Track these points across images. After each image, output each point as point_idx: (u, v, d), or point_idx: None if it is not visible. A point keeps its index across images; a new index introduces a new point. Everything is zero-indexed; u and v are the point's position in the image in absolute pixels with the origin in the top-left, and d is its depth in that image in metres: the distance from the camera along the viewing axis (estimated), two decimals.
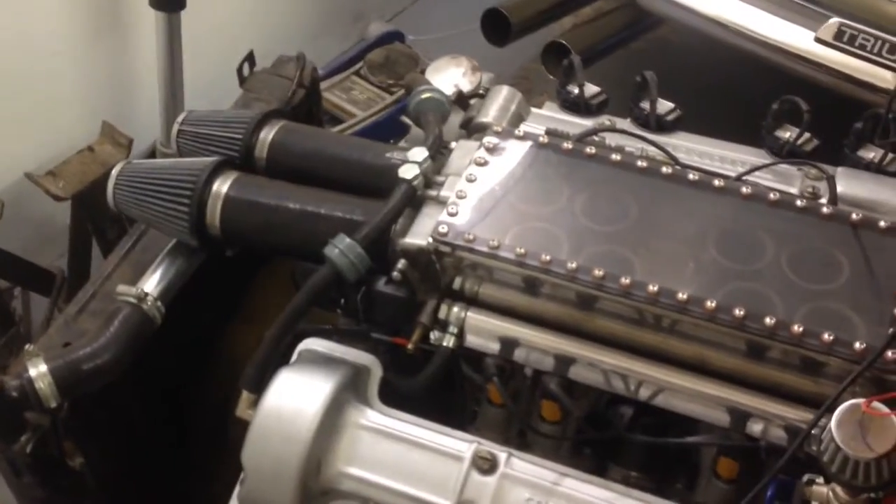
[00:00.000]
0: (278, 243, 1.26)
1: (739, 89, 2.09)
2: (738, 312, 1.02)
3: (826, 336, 0.99)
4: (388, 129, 2.24)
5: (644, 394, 1.11)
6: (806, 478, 0.95)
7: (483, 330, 1.14)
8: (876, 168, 1.31)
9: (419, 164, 1.19)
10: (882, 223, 1.09)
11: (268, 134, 1.32)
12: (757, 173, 1.30)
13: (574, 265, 1.08)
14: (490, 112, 1.32)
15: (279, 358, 1.16)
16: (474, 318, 1.14)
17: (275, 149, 1.31)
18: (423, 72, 1.41)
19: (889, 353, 0.96)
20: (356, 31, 2.80)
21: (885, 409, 0.85)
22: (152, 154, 2.11)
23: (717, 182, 1.16)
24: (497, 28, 2.22)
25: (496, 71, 2.56)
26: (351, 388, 1.10)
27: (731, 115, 1.51)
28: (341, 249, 1.13)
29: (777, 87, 1.51)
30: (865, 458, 0.84)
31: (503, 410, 1.19)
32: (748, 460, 1.08)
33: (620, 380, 1.11)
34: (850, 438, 0.84)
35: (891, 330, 0.98)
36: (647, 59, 2.57)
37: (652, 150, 1.32)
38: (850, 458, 0.85)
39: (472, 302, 1.15)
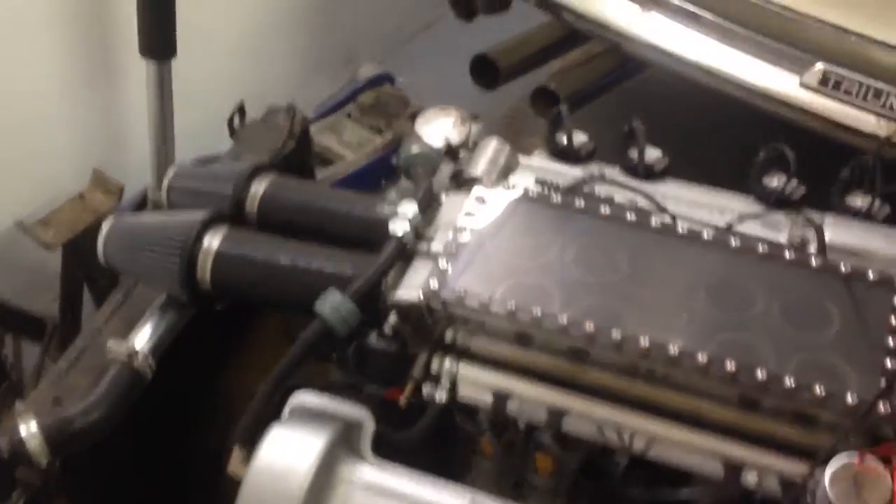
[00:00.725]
0: (269, 298, 1.27)
1: (727, 131, 2.11)
2: (730, 365, 1.02)
3: (818, 389, 0.99)
4: (379, 172, 2.25)
5: (638, 446, 1.11)
6: None
7: (475, 383, 1.14)
8: (864, 216, 1.31)
9: (409, 219, 1.19)
10: (871, 274, 1.09)
11: (258, 188, 1.32)
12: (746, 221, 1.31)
13: (565, 319, 1.08)
14: (479, 165, 1.33)
15: (272, 413, 1.15)
16: (466, 371, 1.14)
17: (265, 203, 1.32)
18: (412, 119, 1.42)
19: (881, 406, 0.96)
20: (347, 73, 2.82)
21: (878, 464, 0.85)
22: (144, 201, 2.11)
23: (706, 234, 1.17)
24: (486, 73, 2.24)
25: (485, 111, 2.58)
26: (344, 443, 1.10)
27: (719, 158, 1.53)
28: (332, 305, 1.13)
29: (765, 129, 1.53)
30: None
31: (498, 462, 1.19)
32: None
33: (614, 432, 1.11)
34: (844, 495, 0.85)
35: (882, 382, 0.98)
36: (636, 101, 2.60)
37: (640, 199, 1.33)
38: None
39: (464, 355, 1.15)
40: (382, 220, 1.22)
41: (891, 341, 1.03)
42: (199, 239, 1.23)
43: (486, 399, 1.14)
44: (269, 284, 1.23)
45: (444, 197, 1.28)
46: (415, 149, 1.31)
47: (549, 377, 1.13)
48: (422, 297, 1.13)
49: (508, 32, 2.46)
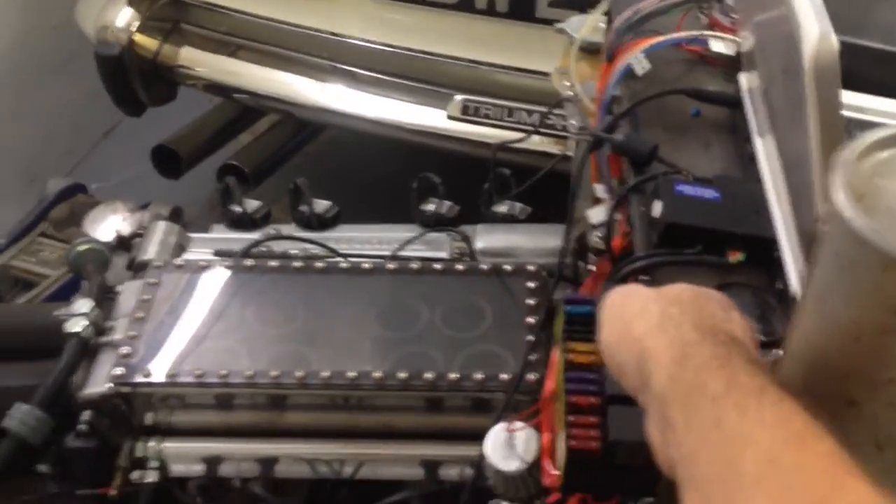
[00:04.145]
0: None
1: (400, 173, 2.29)
2: (402, 375, 1.13)
3: (478, 375, 1.12)
4: None
5: (348, 471, 1.18)
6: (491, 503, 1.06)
7: (183, 456, 1.18)
8: (509, 219, 1.48)
9: (85, 314, 1.21)
10: (507, 267, 1.25)
11: None
12: (412, 246, 1.43)
13: (251, 372, 1.15)
14: (150, 249, 1.37)
15: None
16: (172, 447, 1.18)
17: None
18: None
19: (529, 376, 1.10)
20: (34, 193, 2.75)
21: (525, 425, 0.97)
22: None
23: (366, 264, 1.28)
24: (170, 162, 2.27)
25: (191, 197, 2.60)
26: None
27: (394, 198, 1.66)
28: (20, 418, 1.13)
29: (424, 162, 1.69)
30: (519, 471, 0.96)
31: None
32: None
33: (324, 465, 1.19)
34: (502, 458, 0.96)
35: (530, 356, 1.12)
36: (323, 159, 2.73)
37: (315, 248, 1.43)
38: (507, 476, 0.96)
39: (168, 432, 1.19)
40: (62, 324, 1.23)
41: (530, 319, 1.18)
42: None
43: (198, 468, 1.18)
44: None
45: (120, 288, 1.30)
46: (81, 247, 1.33)
47: (254, 431, 1.19)
48: (110, 386, 1.15)
49: (193, 116, 2.52)
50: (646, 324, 0.61)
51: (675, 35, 1.11)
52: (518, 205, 1.49)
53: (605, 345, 0.66)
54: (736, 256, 0.88)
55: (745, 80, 1.03)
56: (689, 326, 0.59)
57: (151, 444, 1.17)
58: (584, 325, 0.85)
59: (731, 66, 1.12)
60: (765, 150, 0.94)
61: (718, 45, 1.11)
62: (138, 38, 2.16)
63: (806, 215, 0.78)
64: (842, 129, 0.73)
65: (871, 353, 0.50)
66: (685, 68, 1.13)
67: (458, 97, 1.94)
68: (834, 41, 0.68)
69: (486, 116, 1.90)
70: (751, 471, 0.47)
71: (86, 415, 1.16)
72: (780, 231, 0.86)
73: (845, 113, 1.01)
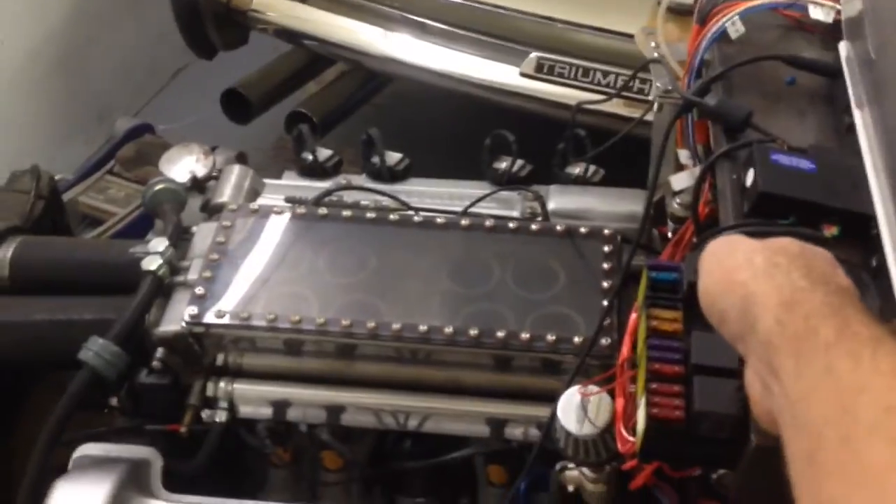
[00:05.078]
0: (34, 359, 1.26)
1: (469, 130, 2.27)
2: (473, 332, 1.13)
3: (550, 337, 1.11)
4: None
5: (413, 424, 1.19)
6: (559, 466, 1.06)
7: (252, 398, 1.19)
8: (582, 181, 1.46)
9: (161, 253, 1.22)
10: (582, 229, 1.23)
11: (5, 253, 1.31)
12: (483, 203, 1.42)
13: (322, 319, 1.15)
14: (225, 192, 1.38)
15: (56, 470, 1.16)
16: (242, 388, 1.19)
17: (16, 266, 1.31)
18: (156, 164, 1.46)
19: (602, 341, 1.09)
20: (102, 132, 2.78)
21: (598, 389, 0.97)
22: None
23: (439, 219, 1.27)
24: (239, 107, 2.28)
25: (254, 144, 2.61)
26: (132, 485, 1.12)
27: (463, 154, 1.64)
28: (95, 351, 1.14)
29: (496, 119, 1.67)
30: (592, 435, 0.96)
31: (287, 470, 1.24)
32: (513, 463, 1.18)
33: (390, 416, 1.19)
34: (574, 422, 0.96)
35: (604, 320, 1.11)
36: (389, 112, 2.72)
37: (386, 200, 1.42)
38: (579, 440, 0.96)
39: (238, 374, 1.20)
40: (137, 261, 1.24)
41: (604, 283, 1.16)
42: None
43: (266, 411, 1.20)
44: (31, 345, 1.23)
45: (195, 228, 1.32)
46: (158, 187, 1.35)
47: (321, 378, 1.20)
48: (184, 325, 1.17)
49: (259, 64, 2.52)
50: (751, 271, 0.60)
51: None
52: (592, 167, 1.47)
53: (706, 292, 0.64)
54: (831, 230, 0.85)
55: (846, 48, 1.00)
56: (798, 275, 0.57)
57: (222, 384, 1.19)
58: (668, 292, 0.84)
59: (829, 33, 1.08)
60: (864, 122, 0.91)
61: (817, 12, 1.07)
62: None
63: None
64: None
65: None
66: (781, 34, 1.09)
67: (533, 54, 1.91)
68: None
69: (561, 76, 1.87)
70: (867, 418, 0.46)
71: (159, 352, 1.18)
72: (878, 206, 0.84)
73: None
